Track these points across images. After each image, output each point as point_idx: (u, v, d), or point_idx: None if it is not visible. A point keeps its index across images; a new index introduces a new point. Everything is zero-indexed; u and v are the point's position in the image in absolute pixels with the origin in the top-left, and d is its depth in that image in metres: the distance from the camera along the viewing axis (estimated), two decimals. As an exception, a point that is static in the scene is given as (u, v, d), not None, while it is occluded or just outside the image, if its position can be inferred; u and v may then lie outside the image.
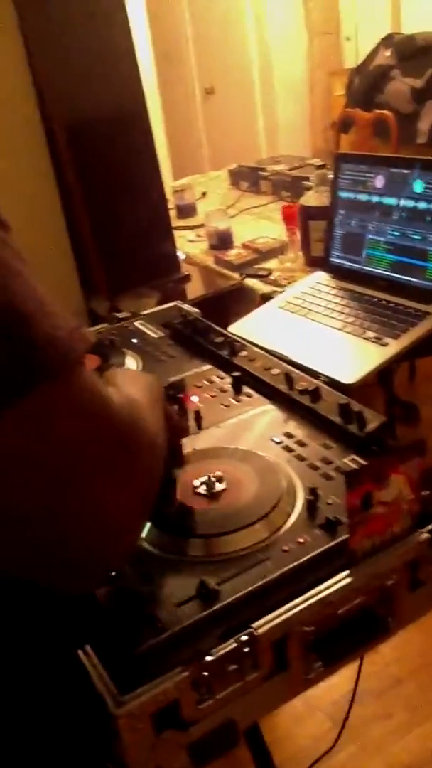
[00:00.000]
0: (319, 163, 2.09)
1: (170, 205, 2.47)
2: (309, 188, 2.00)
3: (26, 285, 0.41)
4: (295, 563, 0.63)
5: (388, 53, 3.38)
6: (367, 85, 3.37)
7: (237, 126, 4.00)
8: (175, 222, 2.38)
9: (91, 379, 0.44)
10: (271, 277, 1.82)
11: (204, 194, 2.67)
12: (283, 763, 1.37)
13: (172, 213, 2.42)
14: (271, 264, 1.91)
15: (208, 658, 0.56)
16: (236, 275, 1.89)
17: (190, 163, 3.97)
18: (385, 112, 2.91)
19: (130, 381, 0.60)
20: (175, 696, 0.55)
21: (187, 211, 2.45)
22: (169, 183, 3.01)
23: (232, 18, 3.92)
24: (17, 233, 0.50)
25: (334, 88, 3.79)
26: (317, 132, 3.88)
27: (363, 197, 1.31)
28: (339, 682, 1.50)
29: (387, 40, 3.36)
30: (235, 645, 0.57)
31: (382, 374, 1.60)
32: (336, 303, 1.23)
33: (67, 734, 0.60)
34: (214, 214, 2.13)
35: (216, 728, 0.60)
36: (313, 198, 1.74)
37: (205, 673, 0.56)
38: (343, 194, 1.37)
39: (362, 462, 0.75)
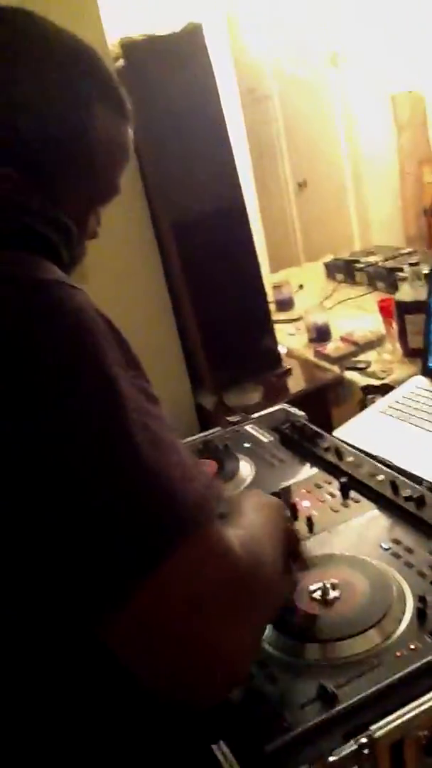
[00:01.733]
0: (411, 257, 2.18)
1: (270, 299, 2.61)
2: (403, 279, 2.08)
3: (173, 454, 0.51)
4: (408, 669, 0.68)
5: None
6: (457, 172, 3.48)
7: (330, 218, 4.16)
8: (275, 316, 2.50)
9: (219, 534, 0.52)
10: (370, 369, 1.89)
11: (301, 287, 2.79)
12: None
13: (272, 307, 2.56)
14: (369, 356, 1.98)
15: (331, 759, 0.62)
16: (335, 368, 1.97)
17: (285, 255, 4.15)
18: None
19: (254, 509, 0.69)
20: (302, 794, 0.61)
21: (285, 305, 2.57)
22: (266, 276, 3.17)
23: (322, 114, 4.15)
24: (135, 332, 0.60)
25: (425, 176, 3.91)
26: (410, 220, 3.98)
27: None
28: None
29: None
30: (355, 747, 0.62)
31: None
32: (435, 408, 1.30)
33: None
34: (312, 309, 2.24)
35: None
36: (408, 293, 1.82)
37: (329, 772, 0.62)
38: (440, 303, 1.46)
39: (468, 570, 0.80)
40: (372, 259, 2.67)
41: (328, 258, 2.90)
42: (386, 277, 2.48)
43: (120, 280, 1.85)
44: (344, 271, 2.71)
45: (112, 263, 1.78)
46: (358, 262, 2.68)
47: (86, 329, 0.52)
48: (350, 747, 0.62)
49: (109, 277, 1.74)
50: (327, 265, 2.84)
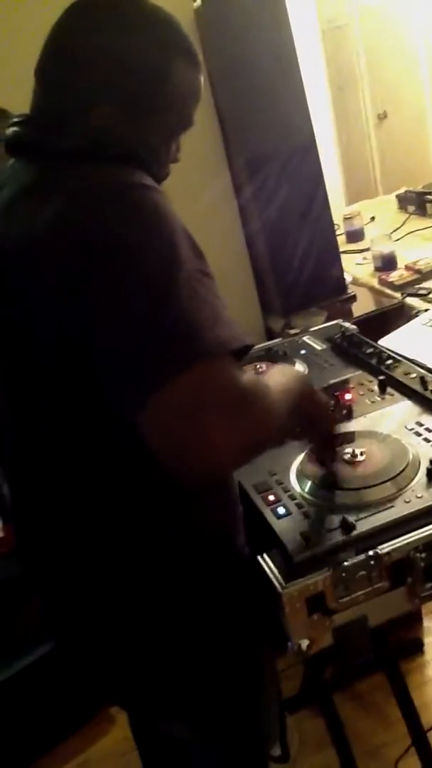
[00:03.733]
0: None
1: (341, 230, 2.72)
2: (472, 210, 2.15)
3: (209, 308, 0.71)
4: (412, 510, 0.87)
5: None
6: None
7: (409, 149, 4.14)
8: (345, 246, 2.62)
9: (230, 366, 0.71)
10: (431, 296, 2.01)
11: (373, 219, 2.88)
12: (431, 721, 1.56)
13: (342, 238, 2.67)
14: (431, 283, 2.09)
15: (345, 564, 0.82)
16: (398, 295, 2.09)
17: (364, 187, 4.18)
18: None
19: (279, 372, 0.90)
20: (321, 588, 0.82)
21: (355, 236, 2.68)
22: (342, 208, 3.24)
23: (402, 44, 4.08)
24: (210, 261, 0.79)
25: None
26: None
27: None
28: None
29: None
30: (363, 557, 0.82)
31: None
32: (470, 320, 1.43)
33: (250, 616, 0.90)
34: (378, 239, 2.35)
35: (352, 620, 0.85)
36: (471, 222, 1.91)
37: (343, 575, 0.82)
38: None
39: (474, 442, 0.97)
40: (444, 190, 2.72)
41: (401, 191, 2.95)
42: (456, 208, 2.53)
43: (197, 213, 2.00)
44: (416, 202, 2.77)
45: (190, 197, 1.93)
46: (429, 193, 2.73)
47: (160, 217, 0.73)
48: (360, 558, 0.82)
49: (188, 209, 1.90)
50: (399, 197, 2.90)
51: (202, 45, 1.86)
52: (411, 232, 2.58)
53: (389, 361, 1.22)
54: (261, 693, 1.01)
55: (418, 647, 1.84)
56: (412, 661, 1.82)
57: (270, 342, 1.48)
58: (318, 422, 0.94)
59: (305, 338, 1.46)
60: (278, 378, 0.86)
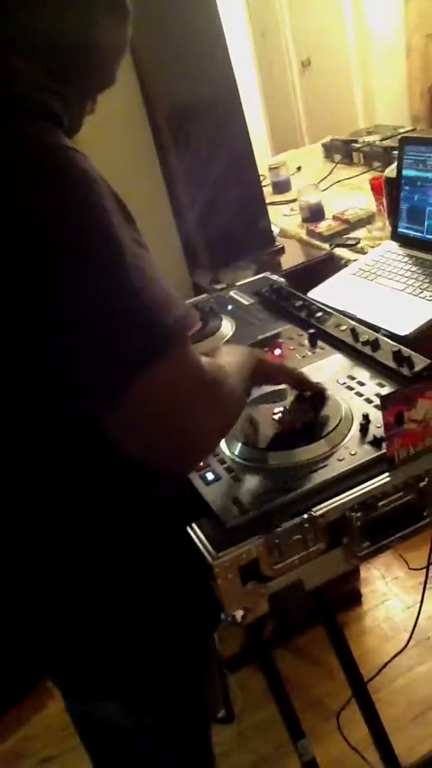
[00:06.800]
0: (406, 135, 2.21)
1: (267, 181, 2.64)
2: (397, 158, 2.10)
3: (158, 288, 0.65)
4: (346, 468, 0.84)
5: None
6: (463, 46, 3.37)
7: (335, 97, 4.07)
8: (272, 198, 2.55)
9: (189, 351, 0.67)
10: (359, 246, 1.97)
11: (299, 169, 2.81)
12: (371, 671, 1.58)
13: (269, 189, 2.60)
14: (360, 233, 2.05)
15: (278, 529, 0.78)
16: (326, 245, 2.05)
17: (290, 137, 4.10)
18: None
19: (228, 352, 0.87)
20: (255, 555, 0.77)
21: (282, 186, 2.61)
22: (268, 158, 3.16)
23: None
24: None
25: None
26: (415, 97, 3.89)
27: (424, 174, 1.45)
28: (424, 610, 1.68)
29: None
30: (298, 521, 0.78)
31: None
32: (400, 268, 1.39)
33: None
34: (305, 189, 2.29)
35: (288, 585, 0.81)
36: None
37: (276, 540, 0.78)
38: (407, 172, 1.52)
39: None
40: (370, 138, 2.66)
41: (327, 139, 2.89)
42: (382, 157, 2.49)
43: (117, 167, 1.89)
44: (342, 151, 2.71)
45: (109, 152, 1.82)
46: (356, 141, 2.68)
47: (90, 184, 0.64)
48: (294, 521, 0.78)
49: (107, 164, 1.79)
50: (325, 146, 2.84)
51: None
52: (338, 181, 2.54)
53: (319, 314, 1.18)
54: (204, 668, 0.98)
55: (356, 598, 1.86)
56: (351, 611, 1.83)
57: (196, 298, 1.42)
58: (282, 379, 0.96)
59: (232, 293, 1.40)
60: (228, 359, 0.84)
